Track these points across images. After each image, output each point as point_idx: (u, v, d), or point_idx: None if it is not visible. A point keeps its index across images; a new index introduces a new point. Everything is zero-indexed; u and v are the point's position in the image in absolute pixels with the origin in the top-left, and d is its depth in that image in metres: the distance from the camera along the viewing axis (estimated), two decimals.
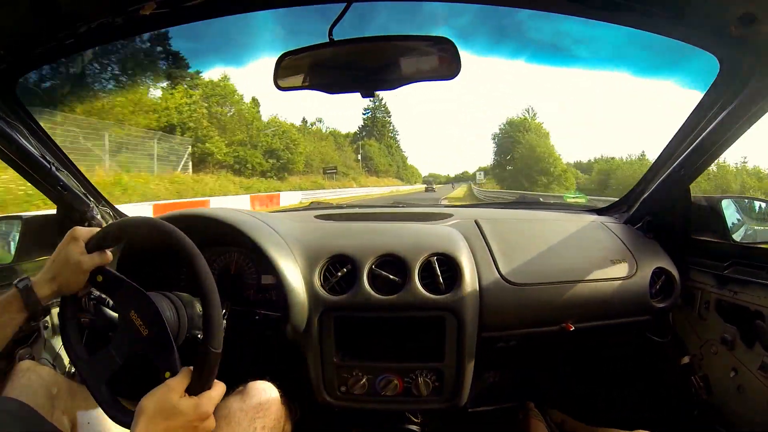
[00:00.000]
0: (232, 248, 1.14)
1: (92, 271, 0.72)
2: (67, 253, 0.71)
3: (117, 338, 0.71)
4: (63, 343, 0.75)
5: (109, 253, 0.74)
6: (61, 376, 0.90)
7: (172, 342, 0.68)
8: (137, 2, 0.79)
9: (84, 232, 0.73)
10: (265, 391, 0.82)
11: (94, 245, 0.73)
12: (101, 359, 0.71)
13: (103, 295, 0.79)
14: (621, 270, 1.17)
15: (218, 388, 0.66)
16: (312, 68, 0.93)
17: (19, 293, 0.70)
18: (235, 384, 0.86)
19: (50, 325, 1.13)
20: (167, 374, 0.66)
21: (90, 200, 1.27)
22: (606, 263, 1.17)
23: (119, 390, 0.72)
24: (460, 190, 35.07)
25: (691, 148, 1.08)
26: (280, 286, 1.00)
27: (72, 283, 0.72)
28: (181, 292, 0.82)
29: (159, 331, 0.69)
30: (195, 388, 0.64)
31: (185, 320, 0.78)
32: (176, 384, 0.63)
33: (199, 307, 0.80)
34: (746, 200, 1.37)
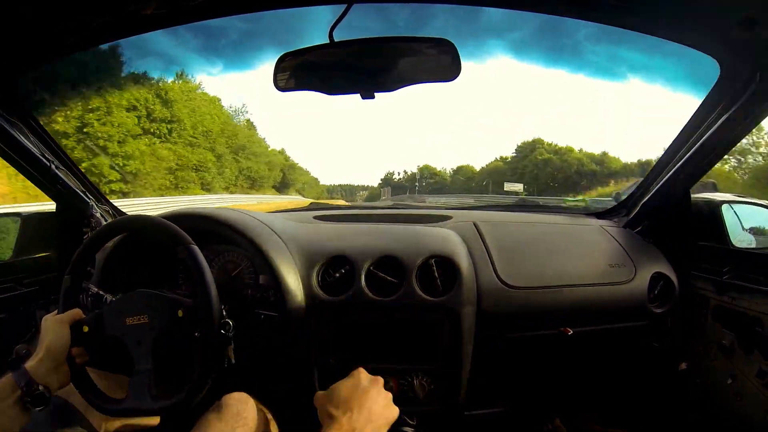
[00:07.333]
0: (230, 248, 1.14)
1: (73, 327, 0.72)
2: (46, 329, 0.71)
3: (135, 351, 0.71)
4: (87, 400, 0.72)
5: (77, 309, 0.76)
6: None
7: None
8: (138, 2, 0.79)
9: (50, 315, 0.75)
10: (240, 401, 0.83)
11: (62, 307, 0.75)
12: (137, 379, 0.70)
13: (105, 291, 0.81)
14: (619, 274, 1.16)
15: None
16: (312, 69, 0.93)
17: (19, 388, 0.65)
18: (233, 383, 0.86)
19: None
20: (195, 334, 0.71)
21: (89, 198, 1.27)
22: (605, 267, 1.17)
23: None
24: None
25: (691, 151, 1.08)
26: (277, 286, 1.00)
27: (61, 344, 0.70)
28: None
29: (155, 311, 0.70)
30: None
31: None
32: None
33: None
34: (747, 204, 1.36)
